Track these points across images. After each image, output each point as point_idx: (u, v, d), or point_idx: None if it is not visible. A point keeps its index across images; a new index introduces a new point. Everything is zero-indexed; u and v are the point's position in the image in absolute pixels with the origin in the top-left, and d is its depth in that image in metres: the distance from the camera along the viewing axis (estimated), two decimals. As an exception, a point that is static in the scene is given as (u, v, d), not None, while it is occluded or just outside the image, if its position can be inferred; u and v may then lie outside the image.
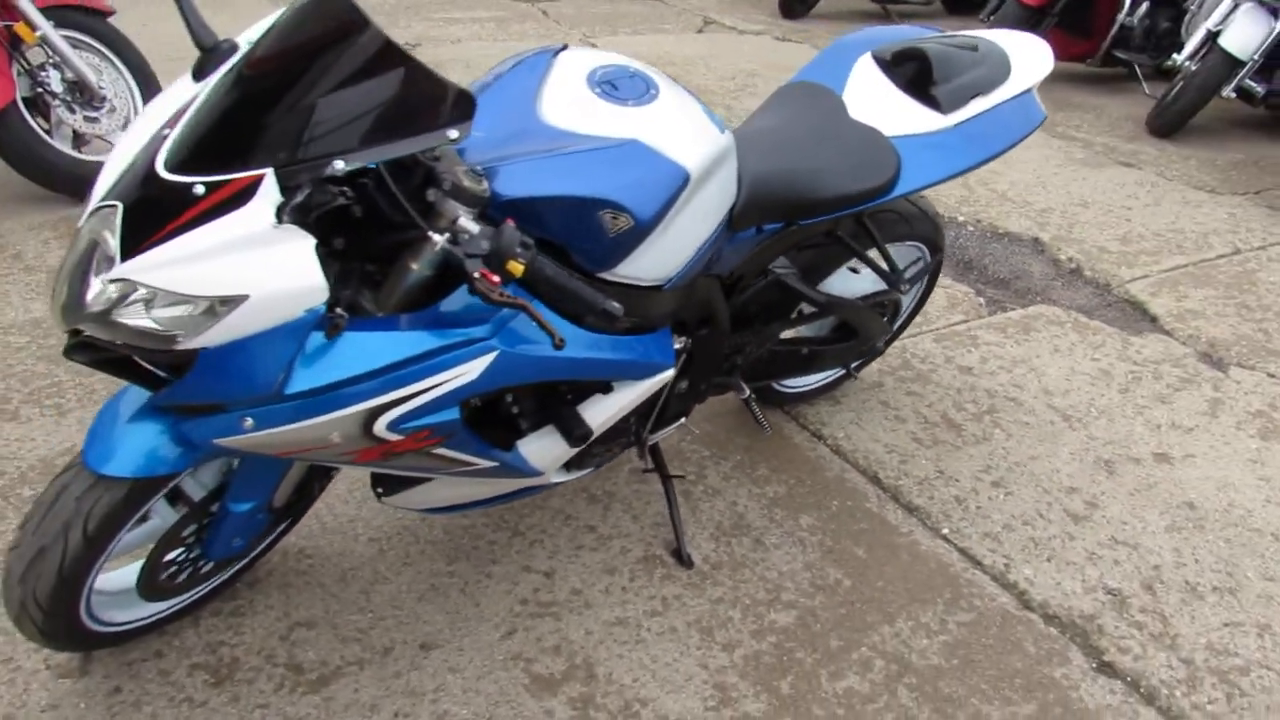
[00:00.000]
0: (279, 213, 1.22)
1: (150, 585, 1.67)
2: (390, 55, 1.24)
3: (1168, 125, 4.86)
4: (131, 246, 1.22)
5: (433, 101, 1.27)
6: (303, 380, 1.30)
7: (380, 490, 1.77)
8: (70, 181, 3.29)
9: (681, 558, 2.09)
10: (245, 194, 1.22)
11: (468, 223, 1.32)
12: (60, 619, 1.52)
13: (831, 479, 2.38)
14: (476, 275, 1.29)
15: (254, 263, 1.21)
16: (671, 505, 2.12)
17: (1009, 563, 2.17)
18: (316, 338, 1.30)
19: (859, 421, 2.59)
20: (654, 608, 1.97)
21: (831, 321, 2.38)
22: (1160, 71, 5.57)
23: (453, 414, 1.46)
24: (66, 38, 3.26)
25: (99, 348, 1.34)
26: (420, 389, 1.40)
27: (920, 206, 2.32)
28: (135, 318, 1.24)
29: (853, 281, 2.36)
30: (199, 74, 1.36)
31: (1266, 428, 2.72)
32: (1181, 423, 2.71)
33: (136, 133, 1.35)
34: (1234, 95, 4.74)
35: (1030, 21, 5.36)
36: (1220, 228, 4.00)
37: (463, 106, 1.28)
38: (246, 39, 1.37)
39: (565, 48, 1.67)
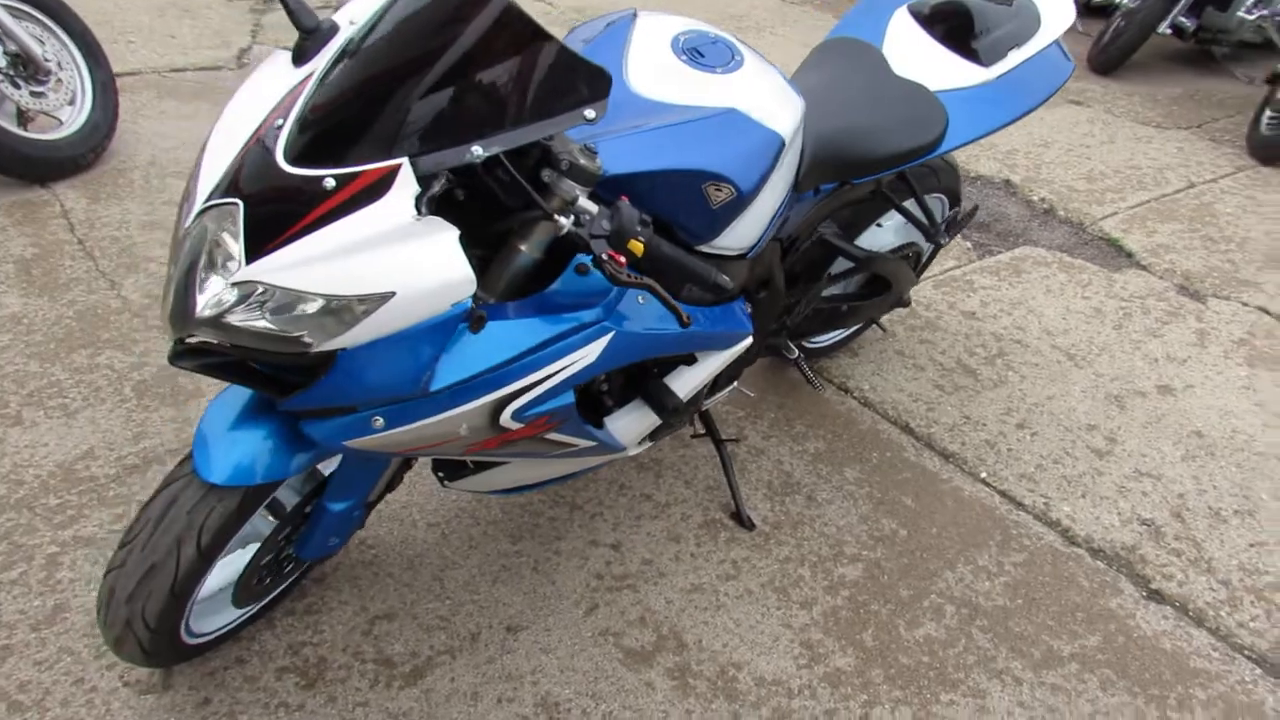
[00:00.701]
0: (417, 204, 1.17)
1: (244, 591, 1.61)
2: (526, 31, 1.19)
3: (1109, 62, 5.00)
4: (257, 246, 1.15)
5: (569, 79, 1.22)
6: (446, 376, 1.26)
7: (442, 475, 1.74)
8: (18, 162, 3.07)
9: (742, 520, 2.11)
10: (381, 186, 1.16)
11: (587, 203, 1.29)
12: (165, 636, 1.46)
13: (866, 431, 2.42)
14: (605, 256, 1.26)
15: (398, 258, 1.16)
16: (727, 469, 2.13)
17: (1048, 501, 2.25)
18: (460, 331, 1.25)
19: (880, 373, 2.63)
20: (726, 571, 1.99)
21: (862, 277, 2.40)
22: (1089, 9, 5.70)
23: (569, 398, 1.43)
24: (5, 7, 3.02)
25: (210, 352, 1.27)
26: (545, 375, 1.37)
27: (945, 158, 2.35)
28: (263, 322, 1.18)
29: (879, 235, 2.38)
30: (300, 57, 1.28)
31: (1252, 354, 2.86)
32: (1175, 355, 2.83)
33: (233, 122, 1.27)
34: (1169, 31, 4.89)
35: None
36: (1172, 162, 4.15)
37: (598, 84, 1.23)
38: (348, 18, 1.29)
39: (637, 14, 1.63)
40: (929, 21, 2.11)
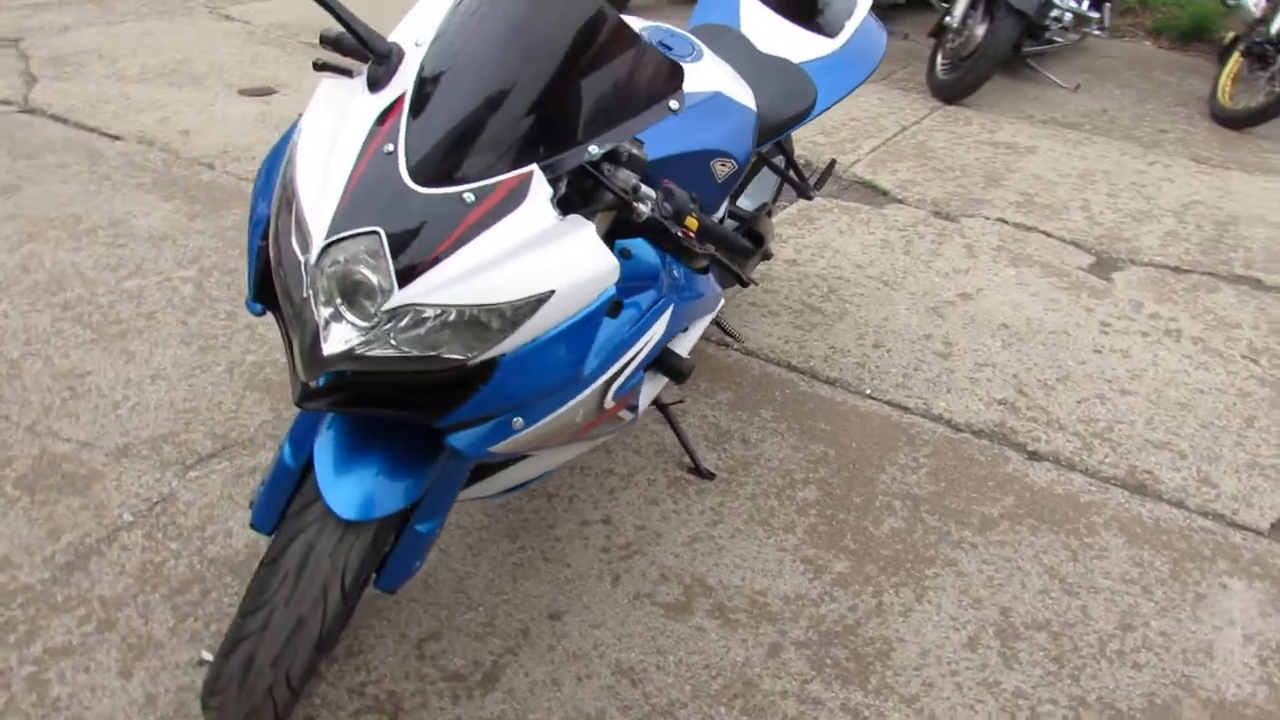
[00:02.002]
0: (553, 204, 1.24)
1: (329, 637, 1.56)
2: (620, 33, 1.29)
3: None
4: (409, 269, 1.17)
5: (655, 74, 1.33)
6: (592, 362, 1.33)
7: None
8: None
9: (701, 472, 2.29)
10: (518, 193, 1.22)
11: (648, 189, 1.41)
12: (298, 698, 1.41)
13: (759, 375, 2.69)
14: (680, 234, 1.40)
15: (550, 258, 1.22)
16: (677, 429, 2.30)
17: (925, 401, 2.63)
18: (603, 318, 1.33)
19: (747, 325, 2.91)
20: (710, 518, 2.17)
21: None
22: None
23: (641, 374, 1.55)
24: None
25: (342, 387, 1.26)
26: (634, 353, 1.47)
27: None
28: (419, 344, 1.20)
29: (744, 198, 2.64)
30: (376, 83, 1.29)
31: (1011, 256, 3.46)
32: (958, 267, 3.36)
33: (321, 155, 1.25)
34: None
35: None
36: (882, 111, 4.79)
37: (675, 77, 1.36)
38: (412, 40, 1.32)
39: None
40: (772, 2, 2.38)
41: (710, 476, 2.29)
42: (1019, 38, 4.84)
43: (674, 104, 1.36)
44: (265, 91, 4.50)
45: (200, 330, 2.67)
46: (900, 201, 3.83)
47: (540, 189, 1.23)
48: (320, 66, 1.54)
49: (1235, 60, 5.10)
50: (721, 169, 1.65)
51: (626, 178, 1.38)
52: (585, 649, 1.83)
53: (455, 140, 1.22)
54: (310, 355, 1.21)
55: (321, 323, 1.20)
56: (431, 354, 1.21)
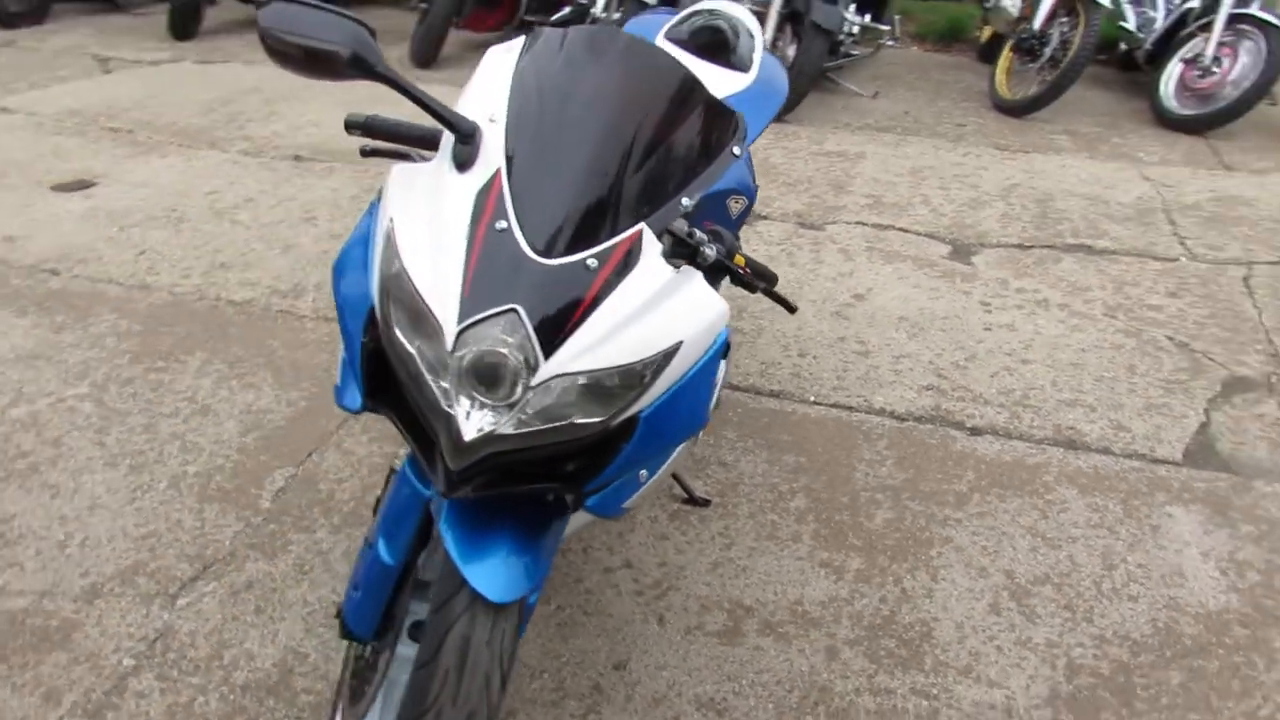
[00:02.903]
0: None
1: None
2: (693, 89, 1.35)
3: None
4: (550, 341, 1.19)
5: (721, 123, 1.40)
6: (712, 402, 1.37)
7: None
8: None
9: (697, 501, 2.35)
10: (634, 253, 1.26)
11: (700, 232, 1.48)
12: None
13: (709, 399, 2.78)
14: (742, 272, 1.47)
15: (673, 310, 1.27)
16: (667, 463, 2.35)
17: (865, 399, 2.81)
18: (720, 359, 1.37)
19: (680, 352, 3.00)
20: (723, 543, 2.24)
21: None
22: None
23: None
24: None
25: (487, 470, 1.25)
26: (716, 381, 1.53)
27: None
28: (564, 414, 1.21)
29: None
30: (465, 164, 1.29)
31: (883, 254, 3.74)
32: (842, 271, 3.60)
33: (424, 243, 1.24)
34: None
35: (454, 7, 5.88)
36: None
37: (737, 123, 1.43)
38: (486, 117, 1.32)
39: None
40: (688, 45, 2.49)
41: (706, 504, 2.35)
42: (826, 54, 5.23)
43: (737, 150, 1.43)
44: (82, 185, 4.19)
45: (122, 449, 2.48)
46: (765, 218, 4.05)
47: (652, 246, 1.27)
48: (369, 153, 1.51)
49: (1007, 55, 5.70)
50: (735, 206, 1.73)
51: (681, 224, 1.44)
52: (661, 691, 1.85)
53: (568, 209, 1.24)
54: (455, 444, 1.19)
55: (463, 411, 1.19)
56: (576, 422, 1.22)
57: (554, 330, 1.19)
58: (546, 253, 1.21)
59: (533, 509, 1.39)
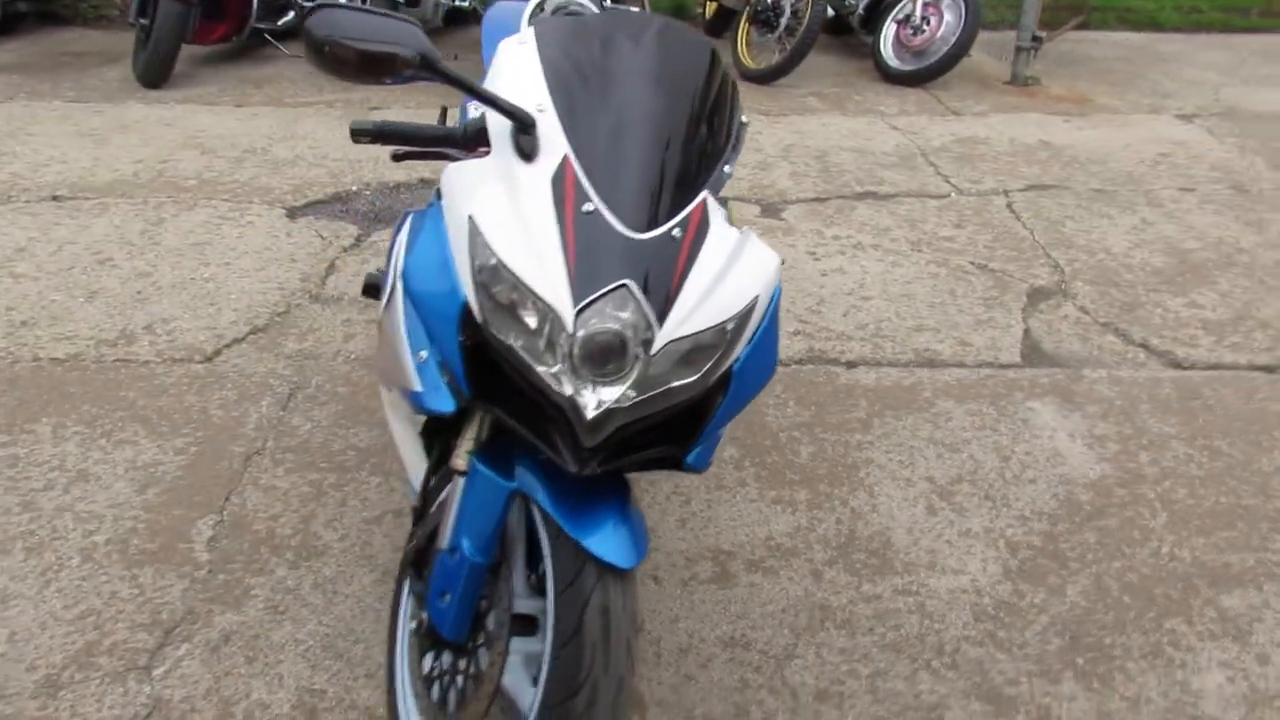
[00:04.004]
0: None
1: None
2: (718, 60, 1.45)
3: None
4: (660, 310, 1.27)
5: (735, 94, 1.51)
6: (777, 349, 1.48)
7: None
8: None
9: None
10: (705, 219, 1.35)
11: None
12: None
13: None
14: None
15: (746, 267, 1.37)
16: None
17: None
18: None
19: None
20: (680, 500, 2.36)
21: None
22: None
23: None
24: None
25: (605, 445, 1.30)
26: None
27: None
28: (674, 378, 1.29)
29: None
30: (530, 154, 1.32)
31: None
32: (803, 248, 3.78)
33: (520, 235, 1.27)
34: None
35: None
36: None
37: (737, 92, 1.54)
38: (534, 106, 1.36)
39: None
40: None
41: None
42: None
43: (744, 118, 1.55)
44: None
45: (6, 534, 2.21)
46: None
47: (717, 211, 1.37)
48: (398, 158, 1.48)
49: (745, 29, 6.13)
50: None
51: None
52: (684, 641, 1.95)
53: (643, 185, 1.31)
54: (583, 423, 1.24)
55: (583, 391, 1.23)
56: (674, 386, 1.29)
57: (660, 300, 1.26)
58: (638, 228, 1.28)
59: (618, 476, 1.44)
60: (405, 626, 1.69)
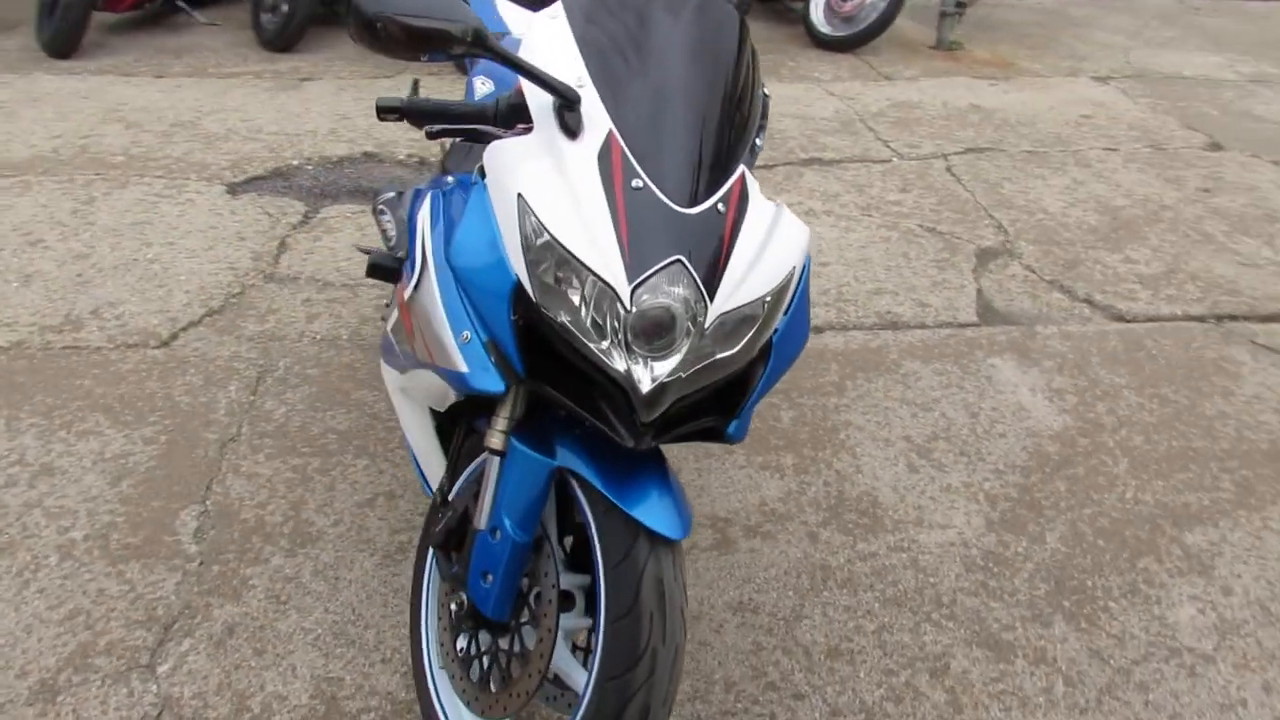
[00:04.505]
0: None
1: None
2: (747, 34, 1.45)
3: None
4: (710, 284, 1.28)
5: (757, 64, 1.52)
6: (809, 318, 1.51)
7: None
8: None
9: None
10: (745, 193, 1.37)
11: None
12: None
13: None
14: None
15: (782, 240, 1.39)
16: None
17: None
18: None
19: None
20: (670, 471, 2.38)
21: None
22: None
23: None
24: None
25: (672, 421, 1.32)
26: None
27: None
28: (723, 349, 1.32)
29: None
30: (575, 131, 1.32)
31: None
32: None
33: (570, 212, 1.27)
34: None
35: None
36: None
37: (758, 62, 1.55)
38: (574, 82, 1.35)
39: None
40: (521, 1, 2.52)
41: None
42: None
43: (766, 90, 1.56)
44: None
45: (-28, 533, 2.12)
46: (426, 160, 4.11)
47: (753, 184, 1.39)
48: (434, 135, 1.46)
49: None
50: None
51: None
52: (695, 609, 1.99)
53: (687, 160, 1.32)
54: (640, 398, 1.25)
55: (638, 365, 1.25)
56: (720, 358, 1.32)
57: (710, 273, 1.27)
58: (684, 203, 1.29)
59: (656, 449, 1.46)
60: (431, 610, 1.68)
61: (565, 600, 1.48)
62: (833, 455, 2.45)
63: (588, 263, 1.24)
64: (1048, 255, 3.52)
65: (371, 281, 3.16)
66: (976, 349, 2.93)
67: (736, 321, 1.31)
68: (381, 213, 2.55)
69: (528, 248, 1.27)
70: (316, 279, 3.20)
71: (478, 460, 1.63)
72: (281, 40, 5.55)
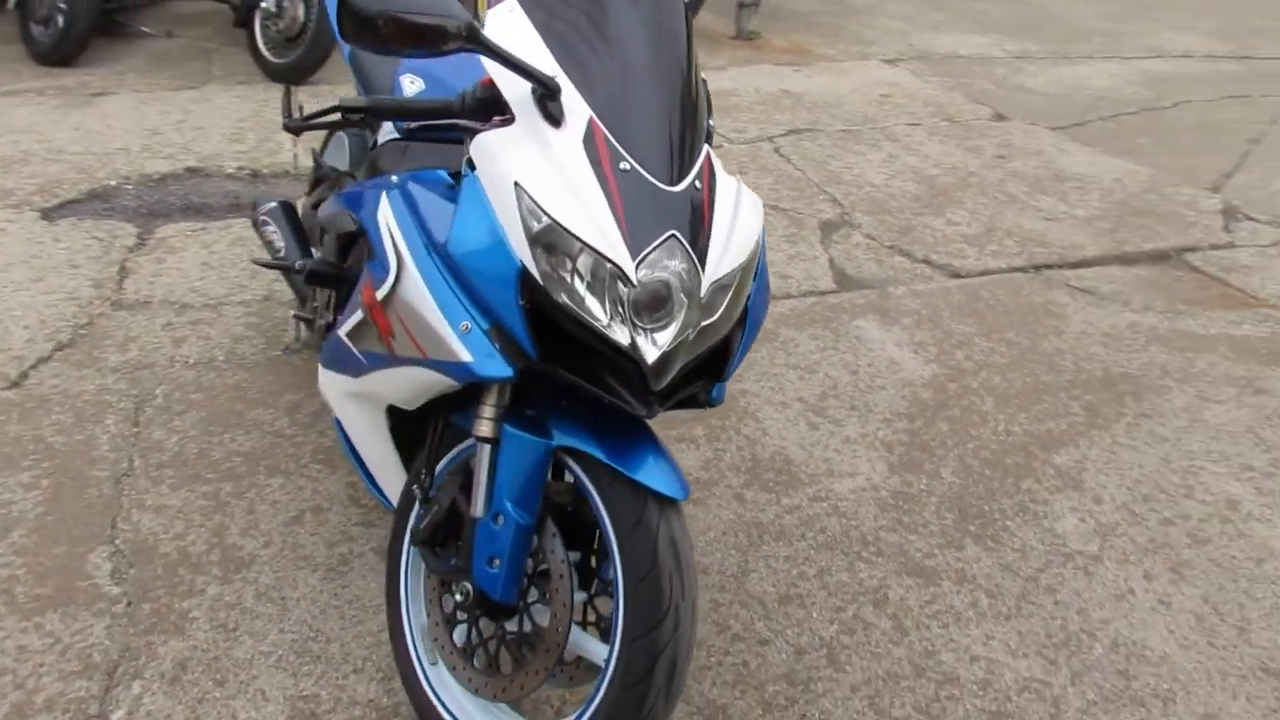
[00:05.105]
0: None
1: None
2: (689, 19, 1.54)
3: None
4: (701, 256, 1.38)
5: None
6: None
7: None
8: None
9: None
10: (713, 170, 1.47)
11: None
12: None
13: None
14: None
15: (748, 210, 1.50)
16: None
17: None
18: None
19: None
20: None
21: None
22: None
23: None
24: None
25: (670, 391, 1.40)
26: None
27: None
28: (709, 315, 1.41)
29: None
30: (558, 120, 1.37)
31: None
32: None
33: (569, 197, 1.33)
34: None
35: None
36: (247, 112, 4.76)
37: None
38: (552, 69, 1.39)
39: None
40: None
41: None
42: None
43: (704, 75, 1.65)
44: None
45: None
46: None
47: (718, 163, 1.48)
48: (412, 133, 1.45)
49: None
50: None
51: None
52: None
53: (664, 141, 1.40)
54: (649, 369, 1.33)
55: (643, 338, 1.33)
56: (705, 325, 1.41)
57: (700, 247, 1.36)
58: (668, 182, 1.37)
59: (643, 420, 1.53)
60: (415, 610, 1.68)
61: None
62: (739, 422, 2.59)
63: (592, 243, 1.30)
64: (883, 224, 3.81)
65: (239, 299, 3.04)
66: (841, 313, 3.15)
67: (720, 289, 1.40)
68: (265, 224, 2.47)
69: (530, 233, 1.31)
70: (171, 301, 3.03)
71: (453, 453, 1.65)
72: (59, 54, 5.11)
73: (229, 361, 2.74)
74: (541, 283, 1.32)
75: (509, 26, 1.45)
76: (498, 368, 1.37)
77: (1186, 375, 2.90)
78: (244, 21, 5.27)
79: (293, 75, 5.07)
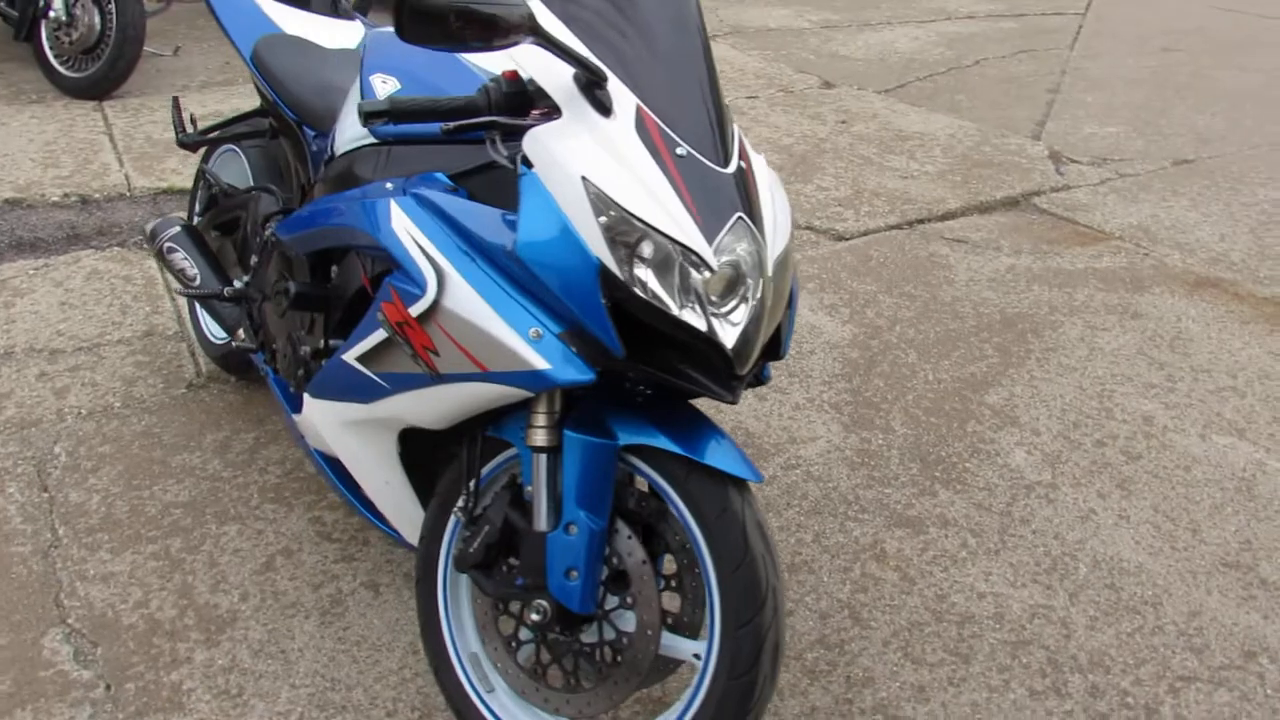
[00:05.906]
0: (752, 151, 1.50)
1: None
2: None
3: None
4: (762, 234, 1.38)
5: None
6: None
7: None
8: None
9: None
10: (745, 151, 1.46)
11: None
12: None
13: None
14: None
15: (775, 187, 1.49)
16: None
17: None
18: None
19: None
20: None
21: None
22: None
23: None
24: None
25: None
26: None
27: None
28: (784, 284, 1.42)
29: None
30: (607, 109, 1.32)
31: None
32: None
33: (638, 187, 1.29)
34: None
35: None
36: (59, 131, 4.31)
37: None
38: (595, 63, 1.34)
39: None
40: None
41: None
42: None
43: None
44: None
45: None
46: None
47: (748, 143, 1.47)
48: (450, 131, 1.35)
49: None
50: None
51: None
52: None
53: (710, 123, 1.38)
54: (734, 353, 1.32)
55: (721, 323, 1.31)
56: (780, 295, 1.41)
57: (759, 225, 1.36)
58: (721, 164, 1.35)
59: (692, 406, 1.51)
60: (465, 640, 1.60)
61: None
62: (691, 402, 2.59)
63: (669, 233, 1.27)
64: (760, 194, 3.90)
65: (117, 338, 2.77)
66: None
67: (781, 266, 1.40)
68: (171, 251, 2.26)
69: (604, 226, 1.26)
70: (37, 349, 2.72)
71: (490, 467, 1.57)
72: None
73: (128, 407, 2.48)
74: (621, 277, 1.27)
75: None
76: (579, 371, 1.31)
77: (1071, 309, 3.14)
78: (27, 35, 4.76)
79: (95, 90, 4.65)
